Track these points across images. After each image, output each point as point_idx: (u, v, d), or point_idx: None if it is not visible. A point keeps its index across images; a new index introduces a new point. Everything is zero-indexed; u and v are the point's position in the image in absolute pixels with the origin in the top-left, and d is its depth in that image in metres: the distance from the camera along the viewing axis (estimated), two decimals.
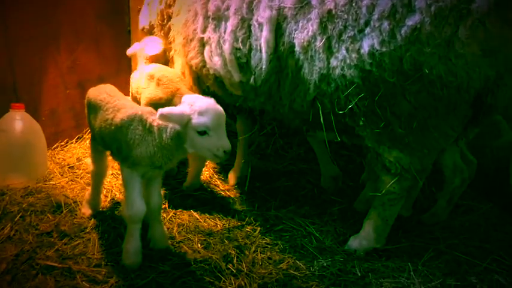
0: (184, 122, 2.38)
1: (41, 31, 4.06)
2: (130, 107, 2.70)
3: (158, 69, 3.49)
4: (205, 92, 3.34)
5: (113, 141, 2.69)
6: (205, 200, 3.53)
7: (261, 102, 3.06)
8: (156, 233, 2.85)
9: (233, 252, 2.84)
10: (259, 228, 3.17)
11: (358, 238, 2.96)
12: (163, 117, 2.40)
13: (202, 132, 2.37)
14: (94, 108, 2.88)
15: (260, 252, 2.88)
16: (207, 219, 3.25)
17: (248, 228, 3.16)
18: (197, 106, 2.39)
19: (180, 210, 3.35)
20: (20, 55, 3.93)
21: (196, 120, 2.37)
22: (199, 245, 2.92)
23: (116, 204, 3.41)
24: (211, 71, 3.14)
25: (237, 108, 3.42)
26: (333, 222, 3.26)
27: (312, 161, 4.19)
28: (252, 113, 3.63)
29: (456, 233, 3.12)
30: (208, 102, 2.43)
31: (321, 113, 2.73)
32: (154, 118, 2.55)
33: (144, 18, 3.90)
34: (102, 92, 2.88)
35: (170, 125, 2.46)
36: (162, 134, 2.51)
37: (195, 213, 3.30)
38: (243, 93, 3.10)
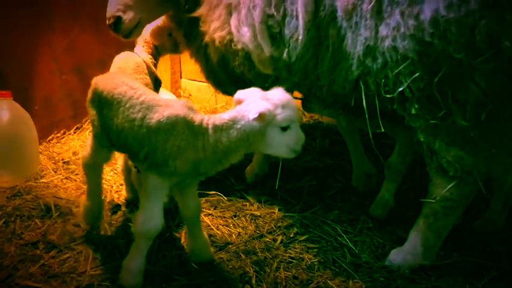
0: (271, 119, 2.05)
1: (31, 9, 3.60)
2: (165, 104, 2.18)
3: (118, 57, 2.92)
4: (232, 76, 2.81)
5: (141, 145, 2.17)
6: (218, 202, 3.05)
7: (295, 83, 2.53)
8: (198, 244, 2.44)
9: (251, 269, 2.39)
10: (280, 238, 2.70)
11: (402, 252, 2.47)
12: (263, 117, 2.02)
13: (286, 128, 2.08)
14: (108, 103, 2.30)
15: (284, 270, 2.42)
16: (220, 227, 2.78)
17: (268, 238, 2.69)
18: (276, 99, 2.07)
19: None
20: (8, 36, 3.48)
21: (282, 115, 2.05)
22: None
23: (114, 207, 2.95)
24: (239, 45, 2.56)
25: None
26: (368, 231, 2.78)
27: (339, 156, 3.68)
28: None
29: None
30: (283, 93, 2.10)
31: (363, 96, 2.23)
32: (202, 117, 2.14)
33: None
34: (120, 83, 2.30)
35: (238, 124, 2.07)
36: (221, 137, 2.09)
37: (206, 219, 2.83)
38: (274, 72, 2.55)
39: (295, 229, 2.78)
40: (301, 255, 2.54)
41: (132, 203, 2.93)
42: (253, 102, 2.07)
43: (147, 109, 2.17)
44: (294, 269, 2.43)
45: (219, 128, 2.10)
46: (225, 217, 2.87)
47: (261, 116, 2.02)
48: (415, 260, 2.43)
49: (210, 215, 2.88)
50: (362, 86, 2.24)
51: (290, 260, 2.51)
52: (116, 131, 2.27)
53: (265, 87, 2.71)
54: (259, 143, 2.11)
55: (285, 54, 2.40)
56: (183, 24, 3.00)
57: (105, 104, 2.33)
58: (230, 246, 2.59)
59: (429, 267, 2.43)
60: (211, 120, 2.12)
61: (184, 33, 3.04)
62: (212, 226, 2.77)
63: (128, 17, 2.82)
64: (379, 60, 2.13)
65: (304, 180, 3.33)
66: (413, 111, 2.16)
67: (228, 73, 2.85)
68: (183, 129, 2.10)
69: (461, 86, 2.01)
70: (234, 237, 2.68)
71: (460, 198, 2.29)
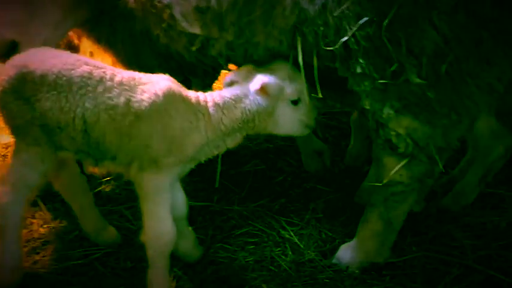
0: (279, 93, 1.92)
1: None
2: (149, 81, 1.84)
3: None
4: (158, 53, 2.30)
5: (127, 138, 1.78)
6: None
7: (229, 44, 2.10)
8: (188, 243, 2.14)
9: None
10: (213, 233, 2.35)
11: (351, 248, 2.16)
12: (268, 90, 1.86)
13: (296, 101, 1.95)
14: (58, 90, 1.79)
15: (211, 272, 2.10)
16: (140, 222, 2.36)
17: (199, 234, 2.31)
18: (280, 71, 1.93)
19: (110, 207, 2.48)
20: None
21: (291, 87, 1.92)
22: (121, 263, 2.11)
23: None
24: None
25: (204, 68, 2.42)
26: (316, 222, 2.46)
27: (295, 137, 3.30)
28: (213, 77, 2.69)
29: (489, 239, 2.29)
30: (286, 64, 1.97)
31: (299, 51, 1.88)
32: (197, 94, 1.91)
33: None
34: (76, 62, 1.82)
35: (242, 103, 1.89)
36: (222, 117, 1.87)
37: (125, 212, 2.44)
38: (203, 30, 2.10)
39: (233, 222, 2.46)
40: (234, 254, 2.22)
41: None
42: (255, 77, 1.89)
43: (129, 90, 1.81)
44: (223, 271, 2.11)
45: (219, 107, 1.88)
46: None
47: (266, 89, 1.85)
48: (366, 258, 2.13)
49: (132, 207, 2.47)
50: (298, 38, 1.88)
51: (221, 260, 2.19)
52: (80, 126, 1.80)
53: (193, 56, 2.28)
54: (266, 123, 1.94)
55: (213, 1, 1.97)
56: (106, 12, 2.45)
57: (45, 91, 1.79)
58: None
59: (383, 266, 2.13)
60: (209, 97, 1.90)
61: (109, 23, 2.47)
62: (133, 223, 2.37)
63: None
64: (316, 1, 1.78)
65: (251, 164, 2.96)
66: (358, 70, 1.82)
67: (152, 49, 2.36)
68: (183, 108, 1.84)
69: (416, 31, 1.70)
70: None
71: (413, 182, 1.94)
